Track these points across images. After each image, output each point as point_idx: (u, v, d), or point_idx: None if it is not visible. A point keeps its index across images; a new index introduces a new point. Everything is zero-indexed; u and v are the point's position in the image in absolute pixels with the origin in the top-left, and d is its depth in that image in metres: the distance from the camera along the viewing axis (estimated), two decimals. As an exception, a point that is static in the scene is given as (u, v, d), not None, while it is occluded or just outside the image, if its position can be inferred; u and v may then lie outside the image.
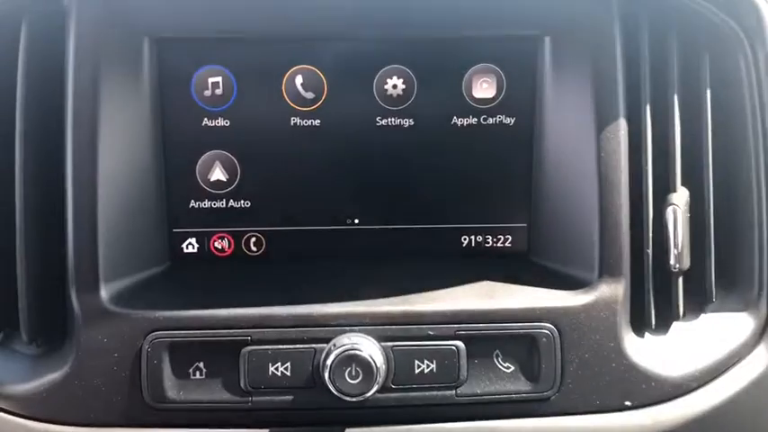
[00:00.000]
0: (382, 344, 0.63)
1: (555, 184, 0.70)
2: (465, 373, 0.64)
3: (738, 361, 0.68)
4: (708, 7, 0.67)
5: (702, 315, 0.70)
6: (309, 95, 0.70)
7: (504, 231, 0.74)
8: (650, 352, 0.67)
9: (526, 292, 0.67)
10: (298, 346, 0.63)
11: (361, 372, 0.61)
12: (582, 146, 0.67)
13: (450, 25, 0.68)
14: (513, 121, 0.71)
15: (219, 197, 0.72)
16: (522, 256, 0.73)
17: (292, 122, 0.70)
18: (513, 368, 0.66)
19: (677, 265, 0.66)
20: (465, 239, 0.74)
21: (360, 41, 0.70)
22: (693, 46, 0.69)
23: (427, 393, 0.64)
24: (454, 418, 0.65)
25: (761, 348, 0.68)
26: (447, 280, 0.69)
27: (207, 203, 0.72)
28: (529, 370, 0.65)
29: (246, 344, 0.63)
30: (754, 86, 0.67)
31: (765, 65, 0.67)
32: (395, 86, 0.70)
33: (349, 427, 0.65)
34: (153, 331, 0.63)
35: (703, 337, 0.69)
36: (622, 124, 0.66)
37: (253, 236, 0.73)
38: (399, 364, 0.63)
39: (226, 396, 0.64)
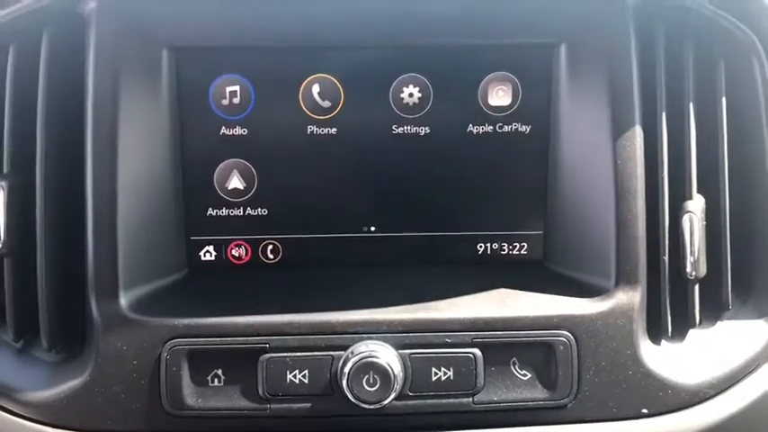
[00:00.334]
0: (400, 351, 0.64)
1: (570, 191, 0.70)
2: (482, 381, 0.64)
3: (755, 369, 0.68)
4: (722, 15, 0.67)
5: (719, 323, 0.70)
6: (326, 104, 0.71)
7: (520, 239, 0.74)
8: (667, 359, 0.67)
9: (542, 299, 0.68)
10: (316, 353, 0.64)
11: (378, 379, 0.61)
12: (598, 153, 0.67)
13: (465, 33, 0.69)
14: (528, 129, 0.72)
15: (237, 205, 0.72)
16: (538, 264, 0.74)
17: (309, 131, 0.71)
18: (529, 376, 0.66)
19: (693, 273, 0.66)
20: (481, 247, 0.74)
21: (376, 50, 0.70)
22: (709, 53, 0.69)
23: (444, 401, 0.64)
24: (471, 426, 0.65)
25: (778, 356, 0.68)
26: (463, 287, 0.69)
27: (224, 211, 0.72)
28: (546, 377, 0.66)
29: (265, 351, 0.64)
30: (769, 93, 0.67)
31: (781, 72, 0.67)
32: (411, 95, 0.71)
33: (366, 434, 0.65)
34: (172, 339, 0.64)
35: (720, 344, 0.69)
36: (638, 131, 0.67)
37: (270, 243, 0.73)
38: (417, 372, 0.64)
39: (244, 403, 0.64)
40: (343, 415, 0.64)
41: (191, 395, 0.64)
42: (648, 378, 0.66)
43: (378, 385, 0.61)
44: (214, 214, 0.72)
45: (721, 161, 0.68)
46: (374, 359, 0.62)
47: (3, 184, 0.65)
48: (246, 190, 0.72)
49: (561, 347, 0.65)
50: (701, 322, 0.68)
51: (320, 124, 0.71)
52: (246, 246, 0.73)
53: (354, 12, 0.68)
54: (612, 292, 0.66)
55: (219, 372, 0.65)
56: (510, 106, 0.71)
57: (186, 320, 0.64)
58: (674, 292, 0.67)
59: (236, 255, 0.73)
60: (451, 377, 0.64)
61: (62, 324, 0.67)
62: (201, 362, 0.64)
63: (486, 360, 0.64)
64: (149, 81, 0.68)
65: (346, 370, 0.62)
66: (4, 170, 0.66)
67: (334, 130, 0.71)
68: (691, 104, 0.68)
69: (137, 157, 0.67)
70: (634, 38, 0.67)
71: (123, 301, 0.65)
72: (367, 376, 0.61)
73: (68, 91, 0.66)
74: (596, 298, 0.66)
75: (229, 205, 0.72)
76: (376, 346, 0.63)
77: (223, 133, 0.71)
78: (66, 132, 0.66)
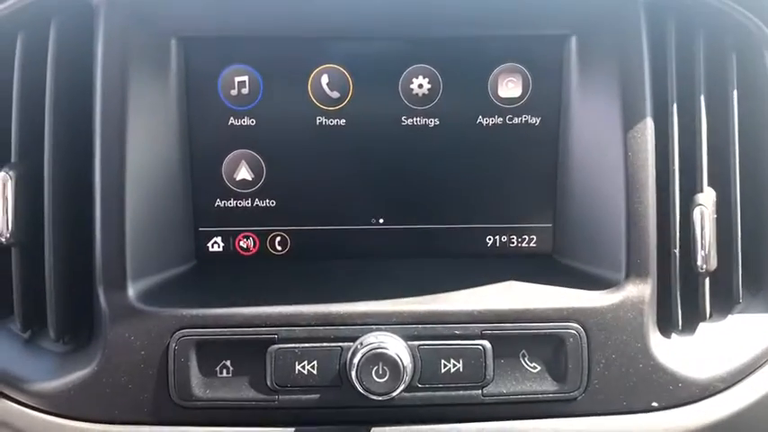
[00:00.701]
0: (409, 343, 0.63)
1: (580, 183, 0.70)
2: (491, 373, 0.64)
3: (766, 362, 0.68)
4: (734, 6, 0.67)
5: (729, 316, 0.70)
6: (335, 95, 0.70)
7: (530, 231, 0.73)
8: (677, 353, 0.67)
9: (552, 292, 0.67)
10: (324, 344, 0.63)
11: (387, 370, 0.61)
12: (608, 145, 0.67)
13: (475, 24, 0.69)
14: (538, 121, 0.71)
15: (245, 196, 0.72)
16: (547, 257, 0.73)
17: (318, 122, 0.71)
18: (539, 368, 0.65)
19: (704, 266, 0.66)
20: (490, 239, 0.73)
21: (386, 41, 0.70)
22: (720, 45, 0.68)
23: (453, 393, 0.64)
24: (480, 418, 0.65)
25: (789, 350, 0.68)
26: (473, 279, 0.69)
27: (232, 202, 0.72)
28: (555, 370, 0.65)
29: (273, 342, 0.63)
30: (781, 86, 0.67)
31: (792, 64, 0.66)
32: (420, 86, 0.70)
33: (375, 425, 0.65)
34: (180, 329, 0.64)
35: (730, 338, 0.68)
36: (649, 124, 0.66)
37: (278, 235, 0.73)
38: (426, 364, 0.63)
39: (252, 394, 0.64)
40: (351, 406, 0.63)
41: (199, 386, 0.64)
42: (658, 371, 0.65)
43: (387, 377, 0.61)
44: (222, 205, 0.72)
45: (732, 154, 0.68)
46: (383, 350, 0.61)
47: (11, 173, 0.64)
48: (255, 181, 0.72)
49: (571, 340, 0.64)
50: (711, 316, 0.68)
51: (329, 115, 0.71)
52: (254, 237, 0.73)
53: (364, 2, 0.67)
54: (623, 284, 0.66)
55: (228, 363, 0.64)
56: (520, 98, 0.71)
57: (194, 311, 0.64)
58: (685, 285, 0.67)
59: (245, 246, 0.73)
60: (461, 369, 0.63)
61: (70, 314, 0.67)
62: (210, 353, 0.64)
63: (495, 352, 0.64)
64: (158, 71, 0.67)
65: (355, 361, 0.61)
66: (12, 159, 0.66)
67: (342, 121, 0.71)
68: (702, 97, 0.67)
69: (145, 147, 0.66)
70: (645, 30, 0.67)
71: (131, 291, 0.65)
72: (376, 367, 0.61)
73: (76, 81, 0.66)
74: (606, 290, 0.66)
75: (237, 196, 0.72)
76: (385, 337, 0.63)
77: (231, 124, 0.71)
78: (74, 122, 0.66)
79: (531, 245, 0.74)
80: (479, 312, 0.64)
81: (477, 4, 0.67)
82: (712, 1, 0.67)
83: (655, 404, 0.66)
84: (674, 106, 0.67)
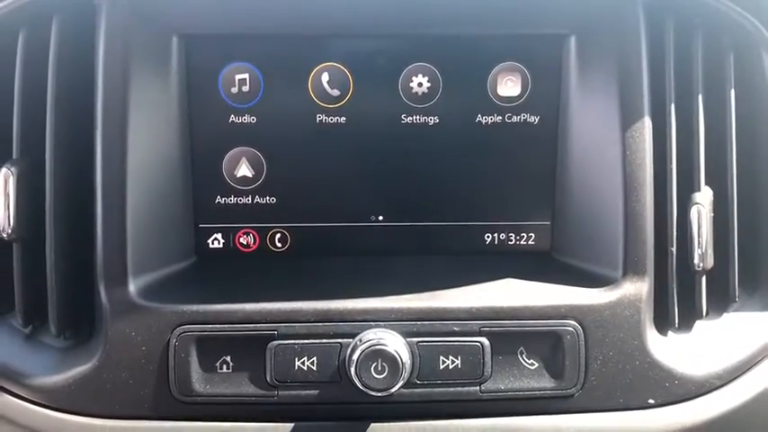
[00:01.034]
0: (407, 339, 0.64)
1: (579, 182, 0.70)
2: (489, 370, 0.64)
3: (761, 360, 0.68)
4: (732, 7, 0.67)
5: (725, 314, 0.70)
6: (335, 93, 0.71)
7: (528, 229, 0.74)
8: (673, 350, 0.67)
9: (550, 289, 0.68)
10: (324, 340, 0.64)
11: (386, 367, 0.62)
12: (606, 144, 0.67)
13: (475, 23, 0.69)
14: (537, 120, 0.72)
15: (245, 193, 0.72)
16: (545, 254, 0.74)
17: (318, 119, 0.71)
18: (537, 365, 0.66)
19: (701, 265, 0.66)
20: (488, 237, 0.74)
21: (386, 39, 0.71)
22: (718, 45, 0.69)
23: (452, 389, 0.64)
24: (478, 414, 0.66)
25: (784, 348, 0.68)
26: (471, 277, 0.69)
27: (233, 199, 0.73)
28: (553, 367, 0.66)
29: (273, 338, 0.64)
30: (778, 86, 0.67)
31: (790, 64, 0.67)
32: (420, 84, 0.71)
33: (374, 421, 0.65)
34: (180, 325, 0.64)
35: (726, 336, 0.69)
36: (647, 123, 0.67)
37: (278, 232, 0.73)
38: (424, 360, 0.64)
39: (252, 390, 0.64)
40: (350, 402, 0.64)
41: (199, 381, 0.64)
42: (655, 368, 0.66)
43: (386, 373, 0.62)
44: (222, 202, 0.73)
45: (730, 153, 0.68)
46: (382, 347, 0.62)
47: (12, 169, 0.65)
48: (255, 178, 0.72)
49: (568, 337, 0.65)
50: (707, 314, 0.68)
51: (329, 113, 0.71)
52: (255, 234, 0.73)
53: (365, 0, 0.68)
54: (620, 282, 0.66)
55: (228, 358, 0.65)
56: (519, 97, 0.71)
57: (195, 307, 0.65)
58: (682, 283, 0.67)
59: (245, 243, 0.73)
60: (459, 365, 0.64)
61: (71, 310, 0.67)
62: (210, 348, 0.65)
63: (493, 349, 0.65)
64: (159, 68, 0.68)
65: (354, 357, 0.62)
66: (14, 155, 0.66)
67: (343, 119, 0.71)
68: (700, 96, 0.68)
69: (146, 144, 0.67)
70: (644, 29, 0.67)
71: (132, 287, 0.65)
72: (375, 364, 0.62)
73: (78, 77, 0.66)
74: (604, 288, 0.66)
75: (238, 193, 0.72)
76: (384, 333, 0.63)
77: (232, 121, 0.71)
78: (75, 119, 0.67)
79: (530, 242, 0.74)
80: (478, 309, 0.65)
81: (477, 2, 0.68)
82: (710, 1, 0.67)
83: (651, 401, 0.66)
84: (672, 106, 0.67)
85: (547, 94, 0.71)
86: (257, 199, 0.73)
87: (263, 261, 0.73)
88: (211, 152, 0.71)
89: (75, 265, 0.67)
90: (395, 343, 0.63)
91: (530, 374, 0.66)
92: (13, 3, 0.66)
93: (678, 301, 0.67)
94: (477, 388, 0.64)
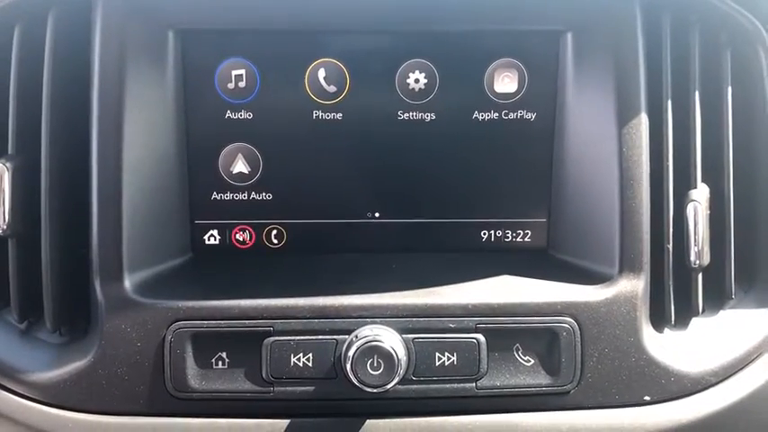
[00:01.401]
0: (403, 336, 0.64)
1: (575, 179, 0.70)
2: (485, 366, 0.64)
3: (757, 357, 0.68)
4: (729, 4, 0.67)
5: (721, 312, 0.70)
6: (332, 89, 0.70)
7: (524, 226, 0.74)
8: (669, 347, 0.67)
9: (546, 286, 0.68)
10: (320, 337, 0.64)
11: (382, 363, 0.62)
12: (603, 141, 0.67)
13: (472, 19, 0.69)
14: (534, 116, 0.72)
15: (241, 189, 0.72)
16: (542, 251, 0.74)
17: (314, 116, 0.71)
18: (533, 362, 0.66)
19: (697, 262, 0.66)
20: (485, 234, 0.74)
21: (382, 35, 0.70)
22: (715, 42, 0.69)
23: (447, 386, 0.64)
24: (474, 411, 0.66)
25: (780, 345, 0.68)
26: (467, 274, 0.69)
27: (229, 195, 0.72)
28: (549, 364, 0.66)
29: (269, 334, 0.64)
30: (775, 82, 0.67)
31: (787, 61, 0.67)
32: (417, 80, 0.71)
33: (369, 417, 0.65)
34: (176, 321, 0.64)
35: (722, 333, 0.69)
36: (644, 120, 0.67)
37: (274, 228, 0.73)
38: (420, 357, 0.64)
39: (248, 386, 0.64)
40: (346, 398, 0.64)
41: (194, 377, 0.64)
42: (651, 365, 0.66)
43: (382, 369, 0.62)
44: (218, 198, 0.72)
45: (726, 151, 0.68)
46: (378, 343, 0.62)
47: (7, 165, 0.64)
48: (251, 174, 0.72)
49: (564, 334, 0.65)
50: (703, 311, 0.68)
51: (326, 109, 0.71)
52: (251, 230, 0.73)
53: (361, -4, 0.68)
54: (616, 279, 0.66)
55: (224, 354, 0.65)
56: (516, 93, 0.71)
57: (190, 303, 0.64)
58: (678, 280, 0.68)
59: (241, 239, 0.73)
60: (455, 362, 0.64)
61: (66, 306, 0.67)
62: (205, 344, 0.64)
63: (489, 346, 0.64)
64: (155, 64, 0.67)
65: (350, 354, 0.62)
66: (9, 151, 0.66)
67: (339, 115, 0.71)
68: (696, 93, 0.68)
69: (142, 139, 0.67)
70: (640, 26, 0.67)
71: (127, 283, 0.65)
72: (371, 360, 0.62)
73: (73, 73, 0.66)
74: (600, 285, 0.66)
75: (234, 189, 0.72)
76: (380, 330, 0.63)
77: (228, 117, 0.71)
78: (71, 114, 0.66)
79: (526, 239, 0.74)
80: (474, 306, 0.65)
81: (473, -1, 0.68)
82: (707, -3, 0.67)
83: (647, 398, 0.66)
84: (669, 102, 0.67)
85: (544, 90, 0.71)
86: (253, 195, 0.72)
87: (260, 257, 0.73)
88: (207, 148, 0.71)
89: (70, 261, 0.67)
90: (391, 339, 0.63)
91: (526, 371, 0.66)
92: (8, -2, 0.65)
93: (674, 299, 0.68)
94: (473, 384, 0.64)
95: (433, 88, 0.71)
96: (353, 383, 0.62)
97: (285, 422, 0.65)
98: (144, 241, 0.67)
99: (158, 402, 0.64)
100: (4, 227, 0.65)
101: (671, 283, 0.67)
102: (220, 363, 0.65)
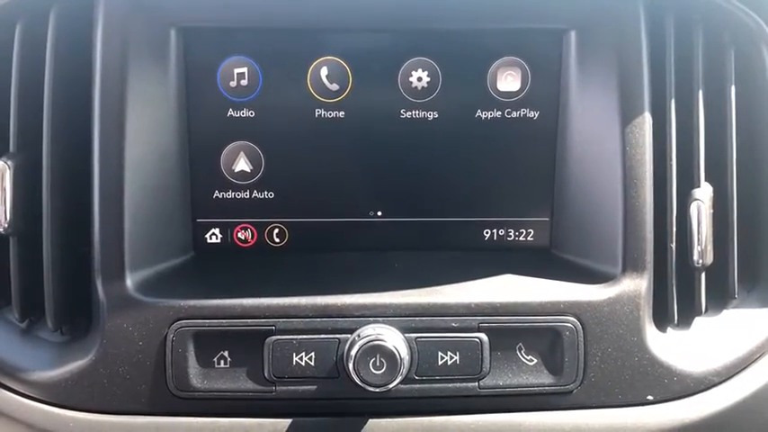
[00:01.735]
0: (406, 335, 0.64)
1: (578, 178, 0.70)
2: (488, 366, 0.64)
3: (760, 357, 0.68)
4: (733, 2, 0.67)
5: (724, 311, 0.70)
6: (334, 87, 0.70)
7: (527, 225, 0.74)
8: (672, 347, 0.67)
9: (549, 285, 0.68)
10: (322, 336, 0.64)
11: (385, 362, 0.61)
12: (606, 140, 0.67)
13: (475, 18, 0.68)
14: (537, 115, 0.71)
15: (243, 188, 0.72)
16: (544, 250, 0.74)
17: (317, 114, 0.71)
18: (535, 361, 0.66)
19: (700, 261, 0.66)
20: (487, 233, 0.74)
21: (385, 33, 0.70)
22: (718, 41, 0.69)
23: (450, 385, 0.64)
24: (476, 411, 0.66)
25: (783, 345, 0.68)
26: (470, 273, 0.69)
27: (231, 194, 0.72)
28: (551, 363, 0.66)
29: (271, 333, 0.64)
30: (779, 82, 0.67)
31: (790, 60, 0.67)
32: (419, 79, 0.70)
33: (372, 417, 0.65)
34: (178, 320, 0.64)
35: (725, 332, 0.69)
36: (647, 118, 0.66)
37: (276, 227, 0.73)
38: (423, 356, 0.64)
39: (250, 385, 0.64)
40: (348, 398, 0.64)
41: (196, 377, 0.64)
42: (654, 365, 0.66)
43: (384, 368, 0.61)
44: (220, 197, 0.72)
45: (730, 150, 0.68)
46: (381, 342, 0.61)
47: (9, 162, 0.64)
48: (253, 173, 0.72)
49: (567, 333, 0.65)
50: (706, 310, 0.68)
51: (328, 107, 0.71)
52: (253, 229, 0.73)
53: (364, -6, 0.68)
54: (619, 278, 0.66)
55: (225, 353, 0.65)
56: (519, 92, 0.71)
57: (192, 302, 0.64)
58: (681, 279, 0.67)
59: (243, 238, 0.73)
60: (457, 361, 0.64)
61: (67, 304, 0.67)
62: (207, 344, 0.64)
63: (492, 345, 0.64)
64: (157, 62, 0.67)
65: (353, 353, 0.62)
66: (11, 149, 0.66)
67: (341, 114, 0.71)
68: (700, 92, 0.67)
69: (143, 138, 0.66)
70: (644, 25, 0.67)
71: (129, 282, 0.65)
72: (373, 359, 0.61)
73: (75, 71, 0.66)
74: (603, 284, 0.66)
75: (236, 188, 0.72)
76: (382, 329, 0.63)
77: (230, 115, 0.70)
78: (72, 112, 0.66)
79: (529, 239, 0.74)
80: (476, 305, 0.65)
81: (476, -3, 0.68)
82: (710, -5, 0.67)
83: (650, 397, 0.66)
84: (673, 101, 0.67)
85: (547, 89, 0.71)
86: (255, 194, 0.72)
87: (262, 256, 0.72)
88: (209, 146, 0.71)
89: (72, 260, 0.67)
90: (393, 338, 0.62)
91: (528, 371, 0.66)
92: (9, -6, 0.65)
93: (677, 298, 0.67)
94: (476, 384, 0.64)
95: (435, 87, 0.71)
96: (356, 383, 0.62)
97: (287, 422, 0.65)
98: (146, 240, 0.67)
99: (160, 402, 0.64)
100: (6, 225, 0.65)
101: (674, 282, 0.67)
102: (222, 362, 0.65)
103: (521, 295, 0.66)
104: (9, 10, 0.66)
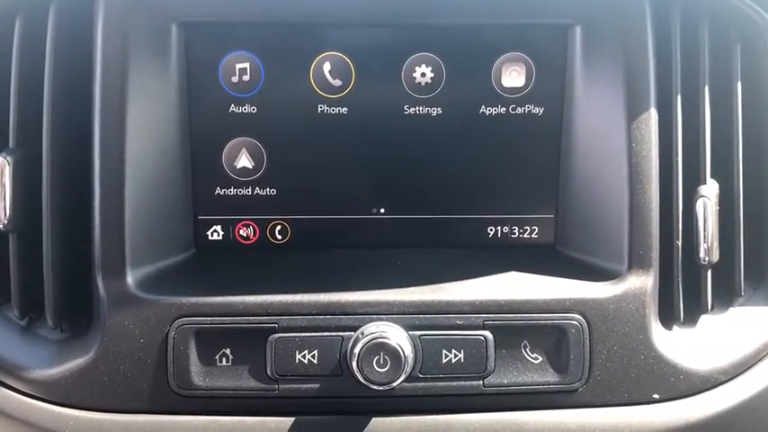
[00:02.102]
0: (410, 333, 0.63)
1: (583, 174, 0.70)
2: (492, 364, 0.64)
3: (767, 355, 0.68)
4: (738, -4, 0.66)
5: (731, 309, 0.70)
6: (337, 83, 0.70)
7: (531, 222, 0.73)
8: (678, 345, 0.67)
9: (554, 282, 0.67)
10: (325, 333, 0.63)
11: (389, 360, 0.61)
12: (612, 136, 0.67)
13: (479, 13, 0.68)
14: (541, 111, 0.71)
15: (245, 185, 0.71)
16: (549, 247, 0.73)
17: (319, 110, 0.70)
18: (540, 359, 0.65)
19: (706, 259, 0.66)
20: (491, 230, 0.73)
21: (388, 28, 0.69)
22: (725, 36, 0.68)
23: (454, 383, 0.64)
24: (481, 409, 0.65)
25: (790, 343, 0.68)
26: (474, 270, 0.68)
27: (232, 191, 0.72)
28: (556, 361, 0.65)
29: (274, 331, 0.63)
30: (786, 77, 0.67)
31: (797, 56, 0.66)
32: (423, 74, 0.70)
33: (376, 415, 0.64)
34: (179, 318, 0.63)
35: (732, 330, 0.68)
36: (653, 115, 0.66)
37: (278, 224, 0.72)
38: (427, 354, 0.63)
39: (252, 383, 0.63)
40: (352, 396, 0.63)
41: (198, 375, 0.63)
42: (660, 363, 0.65)
43: (388, 366, 0.61)
44: (222, 193, 0.72)
45: (736, 146, 0.68)
46: (385, 340, 0.61)
47: (9, 158, 0.64)
48: (255, 169, 0.71)
49: (573, 331, 0.64)
50: (713, 308, 0.68)
51: (331, 103, 0.70)
52: (254, 226, 0.72)
53: (367, -11, 0.67)
54: (625, 275, 0.66)
55: (227, 351, 0.64)
56: (523, 87, 0.70)
57: (194, 299, 0.64)
58: (687, 277, 0.67)
59: (244, 235, 0.72)
60: (462, 359, 0.63)
61: (68, 302, 0.66)
62: (209, 341, 0.64)
63: (496, 343, 0.64)
64: (158, 57, 0.67)
65: (356, 351, 0.61)
66: (10, 144, 0.65)
67: (344, 110, 0.70)
68: (706, 88, 0.67)
69: (144, 134, 0.66)
70: (650, 20, 0.66)
71: (130, 279, 0.64)
72: (377, 357, 0.61)
73: (75, 65, 0.66)
74: (608, 282, 0.66)
75: (238, 184, 0.71)
76: (386, 327, 0.62)
77: (232, 111, 0.70)
78: (72, 108, 0.66)
79: (534, 236, 0.73)
80: (481, 303, 0.64)
81: (481, -8, 0.67)
82: (716, -10, 0.66)
83: (656, 396, 0.65)
84: (678, 97, 0.67)
85: (551, 84, 0.70)
86: (257, 190, 0.72)
87: (263, 253, 0.72)
88: (211, 142, 0.70)
89: (72, 257, 0.66)
90: (397, 336, 0.62)
91: (533, 369, 0.65)
92: (9, -11, 0.65)
93: (683, 296, 0.67)
94: (481, 382, 0.64)
95: (439, 82, 0.70)
96: (359, 381, 0.61)
97: (290, 420, 0.64)
98: (147, 236, 0.66)
99: (161, 400, 0.64)
100: (5, 221, 0.64)
101: (680, 279, 0.67)
102: (224, 360, 0.64)
103: (526, 293, 0.65)
104: (9, 4, 0.65)
